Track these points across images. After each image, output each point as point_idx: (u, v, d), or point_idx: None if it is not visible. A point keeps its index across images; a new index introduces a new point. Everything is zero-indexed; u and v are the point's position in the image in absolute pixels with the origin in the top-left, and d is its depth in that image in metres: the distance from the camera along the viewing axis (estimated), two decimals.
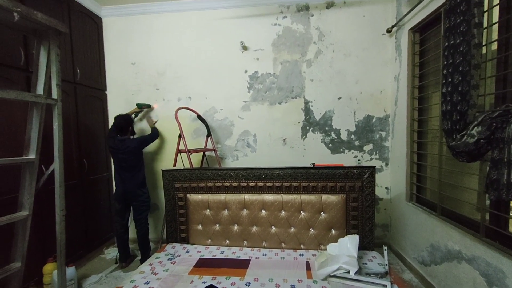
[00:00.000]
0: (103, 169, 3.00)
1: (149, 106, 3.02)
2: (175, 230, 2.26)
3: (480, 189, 1.60)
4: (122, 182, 2.51)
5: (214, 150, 2.88)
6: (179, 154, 2.66)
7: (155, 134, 2.74)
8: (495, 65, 1.56)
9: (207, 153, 2.96)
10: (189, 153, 2.54)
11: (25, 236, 1.35)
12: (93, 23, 2.92)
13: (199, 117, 2.91)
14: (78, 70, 2.63)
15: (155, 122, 2.90)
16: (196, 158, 2.96)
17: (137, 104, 2.94)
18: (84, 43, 2.76)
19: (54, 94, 1.14)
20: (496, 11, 1.52)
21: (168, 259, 1.95)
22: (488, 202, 1.55)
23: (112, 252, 2.89)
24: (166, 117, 3.02)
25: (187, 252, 2.06)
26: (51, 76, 1.12)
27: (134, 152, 2.53)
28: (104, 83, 3.09)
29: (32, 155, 1.31)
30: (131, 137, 2.64)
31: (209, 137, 2.88)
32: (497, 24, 1.51)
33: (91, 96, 2.85)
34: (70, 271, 2.13)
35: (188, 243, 2.22)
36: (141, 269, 1.82)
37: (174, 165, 2.64)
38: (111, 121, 3.13)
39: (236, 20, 2.92)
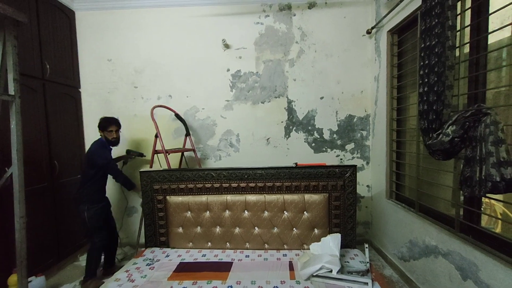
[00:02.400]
0: (76, 171, 2.82)
1: (141, 155, 2.72)
2: (154, 234, 2.17)
3: (455, 186, 1.65)
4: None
5: (193, 150, 2.80)
6: (155, 155, 2.55)
7: (124, 180, 2.29)
8: (467, 67, 1.62)
9: (186, 153, 2.88)
10: (167, 154, 2.44)
11: None
12: (65, 16, 2.75)
13: (177, 116, 2.81)
14: (48, 66, 2.45)
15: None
16: (175, 159, 2.86)
17: (126, 150, 2.73)
18: (55, 37, 2.59)
19: (11, 89, 1.03)
20: (468, 14, 1.58)
21: (146, 265, 1.86)
22: (462, 198, 1.60)
23: None
24: (145, 116, 2.90)
25: (167, 256, 1.98)
26: (7, 70, 1.02)
27: (86, 158, 2.24)
28: (78, 80, 2.92)
29: None
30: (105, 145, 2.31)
31: (187, 137, 2.79)
32: (469, 27, 1.57)
33: (62, 94, 2.68)
34: (38, 281, 1.99)
35: (168, 247, 2.14)
36: (117, 276, 1.72)
37: (151, 167, 2.53)
38: (85, 120, 2.98)
39: (217, 18, 2.86)
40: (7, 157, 1.63)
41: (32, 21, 2.30)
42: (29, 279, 1.91)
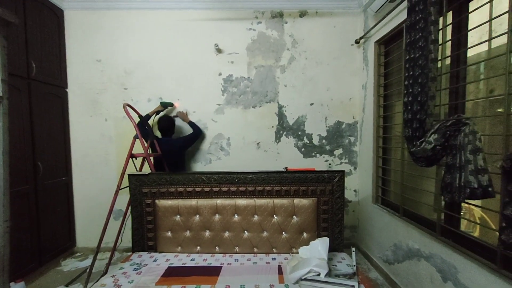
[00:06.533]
0: (61, 173, 2.75)
1: (172, 104, 2.86)
2: (141, 238, 2.13)
3: (436, 191, 1.73)
4: None
5: (145, 156, 2.44)
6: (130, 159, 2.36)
7: (198, 131, 2.81)
8: (448, 79, 1.71)
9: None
10: (149, 157, 2.38)
11: None
12: (53, 15, 2.69)
13: (141, 117, 2.64)
14: (34, 65, 2.39)
15: (187, 114, 2.91)
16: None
17: (161, 103, 2.78)
18: (42, 35, 2.53)
19: None
20: (449, 29, 1.68)
21: (133, 270, 1.82)
22: (443, 203, 1.68)
23: (70, 264, 2.65)
24: (135, 118, 2.85)
25: (155, 261, 1.95)
26: None
27: (181, 152, 2.70)
28: (65, 80, 2.86)
29: None
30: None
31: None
32: (450, 42, 1.67)
33: (48, 94, 2.61)
34: (18, 287, 1.90)
35: (156, 251, 2.11)
36: (103, 282, 1.68)
37: (124, 170, 2.31)
38: (72, 121, 2.90)
39: (210, 22, 2.88)
40: None
41: (18, 18, 2.25)
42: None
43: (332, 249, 1.99)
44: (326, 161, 2.99)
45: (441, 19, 1.62)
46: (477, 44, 1.50)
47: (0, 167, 1.03)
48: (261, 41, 2.92)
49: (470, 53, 1.62)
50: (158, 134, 2.85)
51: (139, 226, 2.13)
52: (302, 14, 2.90)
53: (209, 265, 1.87)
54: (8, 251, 1.10)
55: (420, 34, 1.61)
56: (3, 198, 1.04)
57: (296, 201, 2.05)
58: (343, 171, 2.07)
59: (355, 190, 3.01)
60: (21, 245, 2.23)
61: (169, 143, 2.67)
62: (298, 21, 2.91)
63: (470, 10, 1.57)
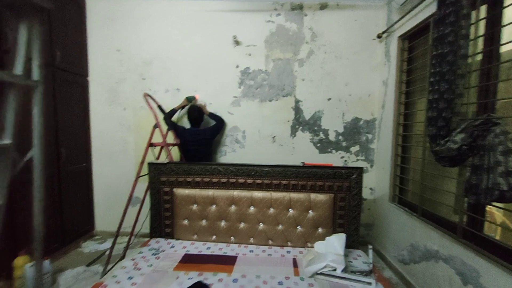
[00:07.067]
0: (82, 159, 2.85)
1: (194, 98, 2.88)
2: (159, 225, 2.20)
3: (458, 192, 1.69)
4: None
5: (164, 145, 2.47)
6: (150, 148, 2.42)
7: (220, 121, 2.84)
8: (478, 76, 1.64)
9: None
10: (168, 147, 2.42)
11: None
12: (75, 4, 2.74)
13: (160, 107, 2.73)
14: (58, 53, 2.46)
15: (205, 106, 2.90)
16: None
17: (187, 98, 2.81)
18: (65, 24, 2.58)
19: (36, 75, 1.04)
20: (482, 24, 1.60)
21: (152, 254, 1.89)
22: (466, 205, 1.64)
23: (90, 246, 2.77)
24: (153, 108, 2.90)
25: (172, 247, 2.01)
26: (32, 56, 1.03)
27: (208, 143, 2.75)
28: (86, 69, 2.93)
29: (7, 140, 1.20)
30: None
31: (169, 131, 2.67)
32: (483, 37, 1.59)
33: (71, 82, 2.69)
34: (45, 264, 2.01)
35: (173, 238, 2.17)
36: (123, 264, 1.75)
37: (143, 161, 2.35)
38: (92, 109, 2.98)
39: (229, 14, 2.86)
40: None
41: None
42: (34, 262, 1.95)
43: (348, 245, 1.98)
44: (342, 157, 2.95)
45: (473, 13, 1.54)
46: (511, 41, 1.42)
47: (37, 149, 1.08)
48: (280, 34, 2.88)
49: (503, 48, 1.54)
50: (183, 124, 2.92)
51: (157, 213, 2.19)
52: (323, 6, 2.84)
53: (224, 254, 1.91)
54: (41, 229, 1.16)
55: (450, 28, 1.54)
56: (39, 179, 1.09)
57: (313, 196, 2.05)
58: (361, 168, 2.05)
59: (371, 188, 2.97)
60: (47, 226, 2.32)
61: (196, 133, 2.70)
62: (318, 14, 2.85)
63: (505, 5, 1.49)
